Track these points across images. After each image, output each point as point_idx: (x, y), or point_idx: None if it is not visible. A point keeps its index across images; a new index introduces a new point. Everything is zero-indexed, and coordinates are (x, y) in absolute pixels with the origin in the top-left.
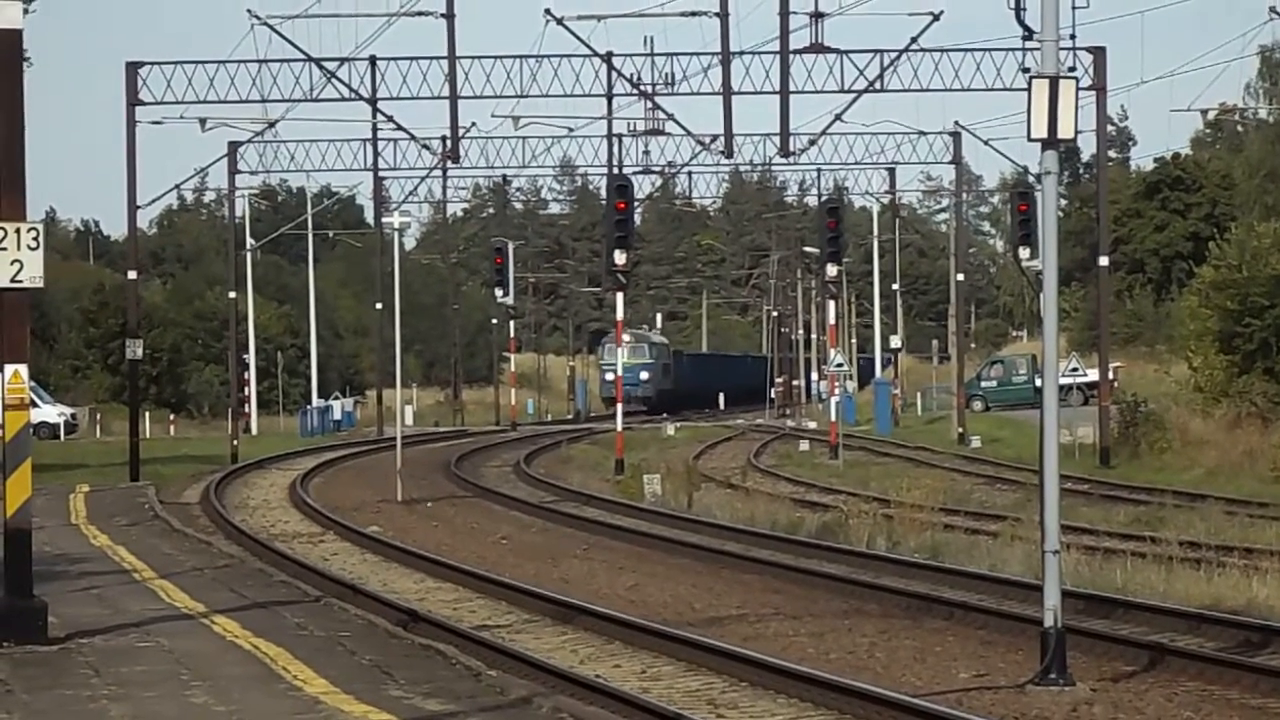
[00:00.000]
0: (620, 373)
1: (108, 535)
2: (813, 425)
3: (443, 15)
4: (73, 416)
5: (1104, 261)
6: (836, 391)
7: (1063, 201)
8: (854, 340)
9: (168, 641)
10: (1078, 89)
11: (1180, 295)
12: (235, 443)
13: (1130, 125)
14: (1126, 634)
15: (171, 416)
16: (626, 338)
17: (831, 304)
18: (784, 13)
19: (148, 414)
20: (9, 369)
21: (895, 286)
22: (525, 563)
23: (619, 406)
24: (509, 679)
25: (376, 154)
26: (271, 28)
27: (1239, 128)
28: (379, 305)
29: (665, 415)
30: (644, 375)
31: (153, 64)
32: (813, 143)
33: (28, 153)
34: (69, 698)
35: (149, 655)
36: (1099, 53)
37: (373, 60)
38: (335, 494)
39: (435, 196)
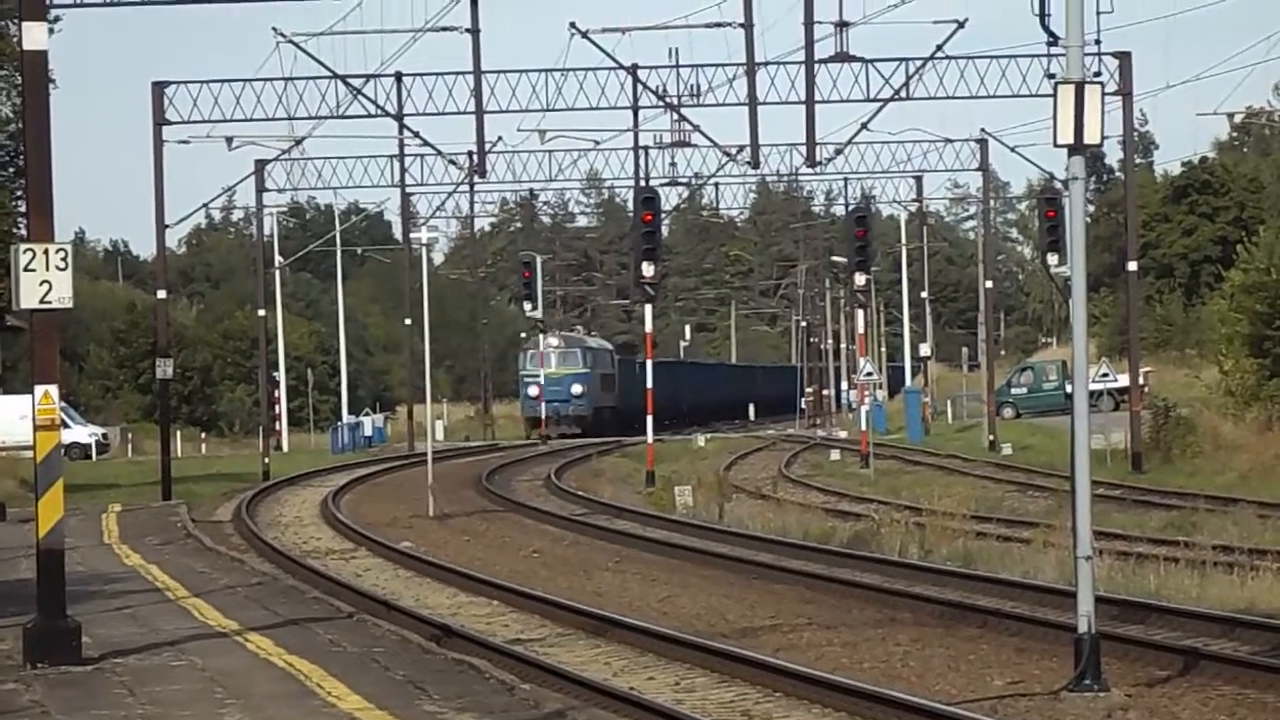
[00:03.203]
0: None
1: (140, 554)
2: (843, 435)
3: (468, 30)
4: (104, 436)
5: (1133, 266)
6: (866, 400)
7: (1090, 207)
8: (883, 349)
9: (201, 660)
10: (1103, 94)
11: (1209, 299)
12: (266, 460)
13: (1151, 130)
14: (1160, 639)
15: (203, 435)
16: (554, 341)
17: (860, 313)
18: (809, 22)
19: (179, 433)
20: (39, 390)
21: (924, 294)
22: (558, 576)
23: (649, 419)
24: (543, 693)
25: (403, 170)
26: (297, 45)
27: (1266, 131)
28: (408, 321)
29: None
30: (576, 389)
31: (179, 83)
32: (839, 152)
33: (55, 173)
34: (104, 718)
35: (183, 674)
36: (1124, 58)
37: (398, 76)
38: (367, 510)
39: (463, 211)
